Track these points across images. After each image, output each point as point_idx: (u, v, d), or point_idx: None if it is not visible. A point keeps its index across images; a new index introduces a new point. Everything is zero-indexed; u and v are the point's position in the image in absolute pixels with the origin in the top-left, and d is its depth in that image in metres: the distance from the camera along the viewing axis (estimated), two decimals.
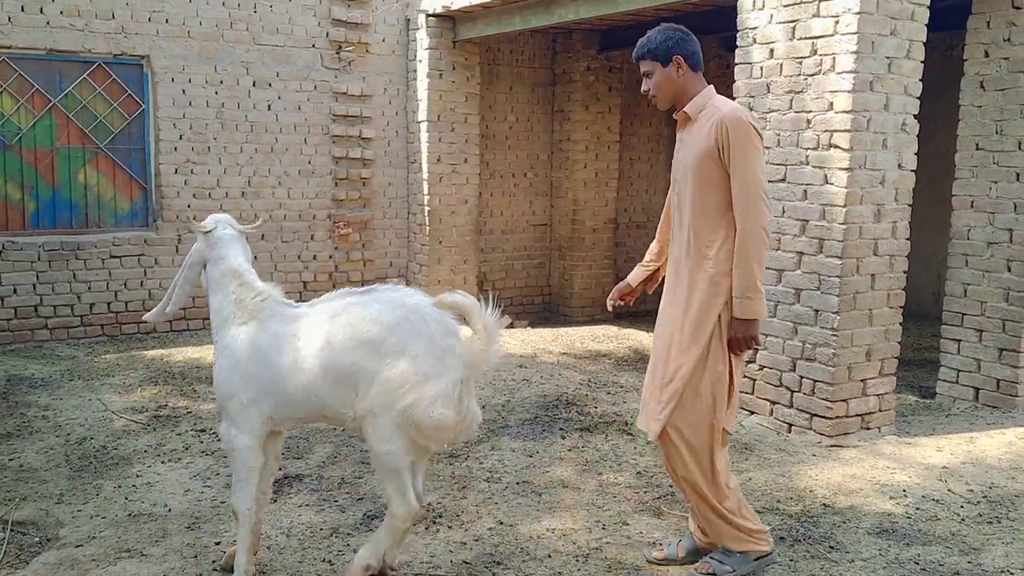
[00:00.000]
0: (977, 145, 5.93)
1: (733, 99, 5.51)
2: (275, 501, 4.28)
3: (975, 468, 4.71)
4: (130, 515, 4.09)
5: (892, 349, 5.24)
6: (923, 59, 5.06)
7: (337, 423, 3.39)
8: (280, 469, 4.67)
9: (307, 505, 4.24)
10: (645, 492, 4.38)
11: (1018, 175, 5.72)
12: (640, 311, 10.50)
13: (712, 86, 3.42)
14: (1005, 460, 4.84)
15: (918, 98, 5.09)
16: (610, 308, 3.82)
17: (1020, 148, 5.69)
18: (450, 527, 3.97)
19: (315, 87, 8.50)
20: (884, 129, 4.95)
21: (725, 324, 3.30)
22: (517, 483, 4.51)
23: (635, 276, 3.78)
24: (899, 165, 5.06)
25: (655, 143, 10.53)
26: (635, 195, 10.36)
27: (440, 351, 3.12)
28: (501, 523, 4.01)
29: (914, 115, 5.08)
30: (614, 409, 5.77)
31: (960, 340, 6.08)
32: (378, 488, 4.39)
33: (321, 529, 3.96)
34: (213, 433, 5.28)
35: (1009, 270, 5.79)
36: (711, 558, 3.49)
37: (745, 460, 4.81)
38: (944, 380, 6.20)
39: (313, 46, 8.46)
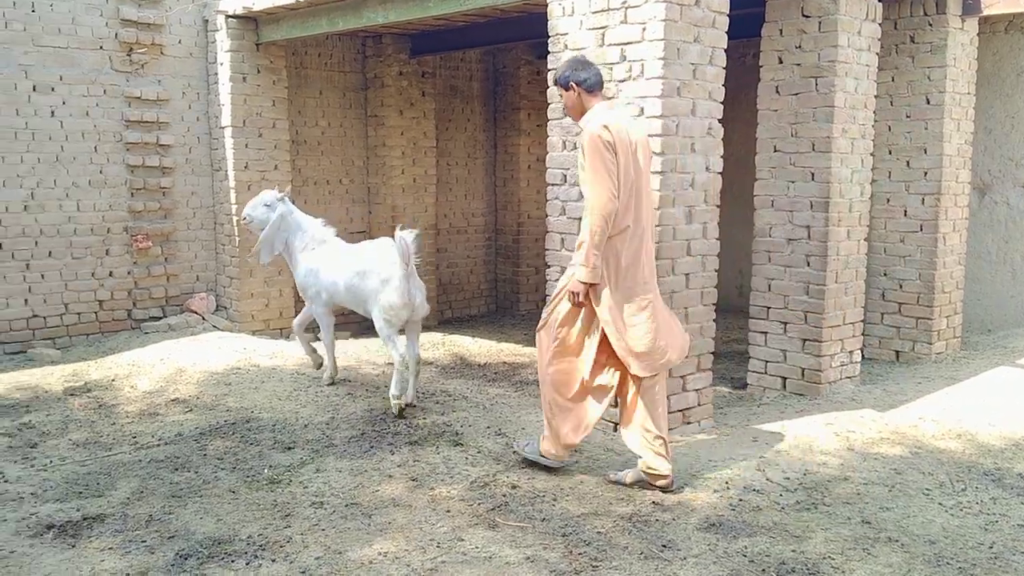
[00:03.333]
0: (775, 147, 6.25)
1: (548, 104, 5.55)
2: (73, 547, 3.86)
3: (789, 455, 4.94)
4: None
5: (708, 345, 5.41)
6: (724, 65, 5.26)
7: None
8: (77, 511, 4.25)
9: (110, 549, 3.85)
10: (479, 504, 4.28)
11: (813, 175, 6.07)
12: (463, 316, 10.48)
13: (606, 103, 4.47)
14: (815, 446, 5.09)
15: (721, 103, 5.28)
16: None
17: (814, 149, 6.04)
18: (274, 560, 3.71)
19: (104, 91, 7.87)
20: (692, 133, 5.10)
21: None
22: (345, 506, 4.29)
23: None
24: (707, 168, 5.24)
25: (471, 148, 10.52)
26: (454, 200, 10.31)
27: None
28: (329, 550, 3.80)
29: (718, 119, 5.27)
30: (443, 420, 5.64)
31: (767, 332, 6.39)
32: (191, 524, 4.06)
33: (128, 575, 3.60)
34: None
35: (808, 265, 6.14)
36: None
37: (576, 463, 4.82)
38: (754, 371, 6.51)
39: (101, 48, 7.83)
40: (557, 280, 5.55)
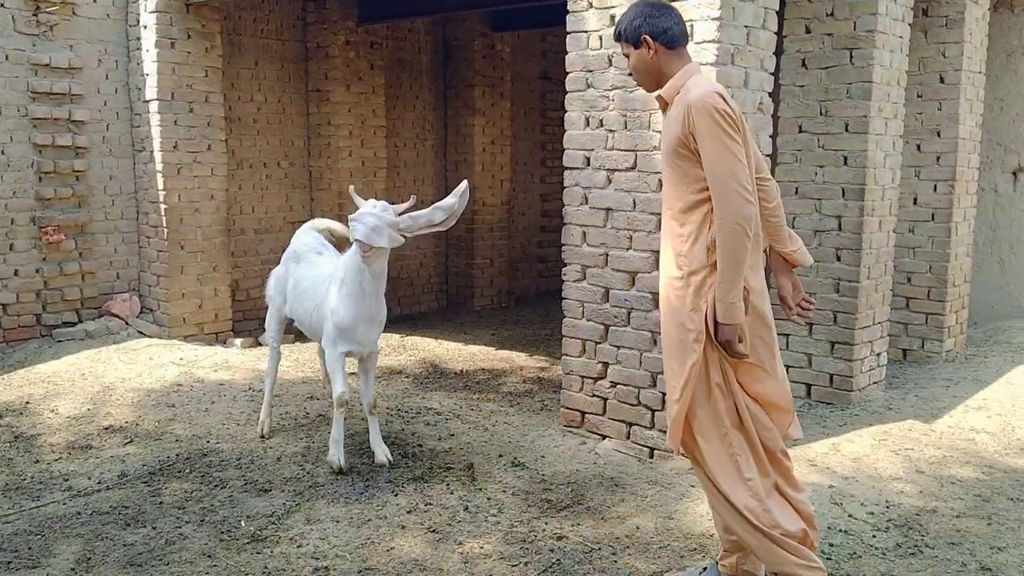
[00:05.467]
0: (800, 127, 5.60)
1: (567, 74, 4.74)
2: None
3: (860, 484, 4.28)
4: None
5: None
6: (776, 30, 4.55)
7: None
8: None
9: None
10: (525, 564, 3.46)
11: (845, 159, 5.44)
12: (414, 313, 9.56)
13: (695, 63, 3.06)
14: (882, 469, 4.46)
15: (772, 74, 4.57)
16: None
17: (847, 130, 5.41)
18: None
19: (6, 57, 6.64)
20: (744, 109, 4.37)
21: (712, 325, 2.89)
22: (358, 572, 3.41)
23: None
24: (759, 148, 4.51)
25: (420, 129, 9.58)
26: (403, 186, 9.35)
27: None
28: None
29: (769, 93, 4.56)
30: (443, 446, 4.78)
31: (788, 334, 5.75)
32: None
33: None
34: None
35: (839, 259, 5.52)
36: None
37: (621, 502, 4.04)
38: None
39: (2, 5, 6.59)
40: (577, 281, 4.76)
